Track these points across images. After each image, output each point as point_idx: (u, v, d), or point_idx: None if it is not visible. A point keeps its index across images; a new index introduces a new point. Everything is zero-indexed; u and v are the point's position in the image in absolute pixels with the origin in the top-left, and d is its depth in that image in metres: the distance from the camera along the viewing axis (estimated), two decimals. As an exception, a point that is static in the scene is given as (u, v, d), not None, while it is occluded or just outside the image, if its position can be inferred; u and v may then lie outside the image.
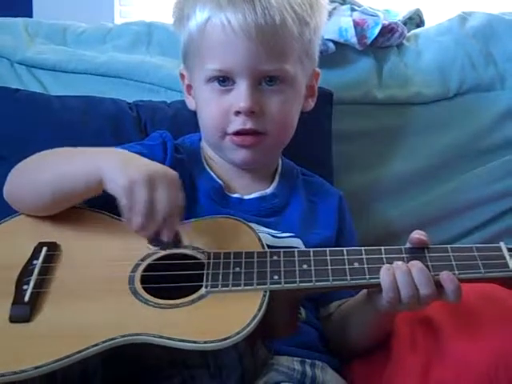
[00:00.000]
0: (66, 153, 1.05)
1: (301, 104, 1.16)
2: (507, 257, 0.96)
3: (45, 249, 0.99)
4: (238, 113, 1.08)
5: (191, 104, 1.19)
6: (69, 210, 1.04)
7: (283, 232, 1.10)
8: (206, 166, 1.17)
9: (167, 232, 0.93)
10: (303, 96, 1.16)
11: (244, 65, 1.07)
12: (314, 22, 1.12)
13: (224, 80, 1.09)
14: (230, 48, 1.07)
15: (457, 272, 0.94)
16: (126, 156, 1.00)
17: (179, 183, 0.95)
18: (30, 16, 1.79)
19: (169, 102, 1.38)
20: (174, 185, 0.94)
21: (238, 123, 1.09)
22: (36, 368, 0.83)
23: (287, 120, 1.13)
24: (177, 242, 0.95)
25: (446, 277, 0.93)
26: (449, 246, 0.98)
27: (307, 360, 1.01)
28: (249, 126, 1.08)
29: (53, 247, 1.00)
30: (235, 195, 1.14)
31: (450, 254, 0.96)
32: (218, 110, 1.10)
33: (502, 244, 0.98)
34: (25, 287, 0.93)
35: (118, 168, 0.95)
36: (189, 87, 1.19)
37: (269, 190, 1.16)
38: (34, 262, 0.97)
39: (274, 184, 1.18)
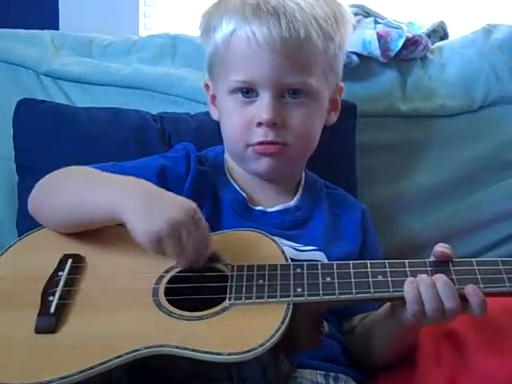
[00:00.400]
0: (89, 177, 1.05)
1: (323, 118, 1.17)
2: (533, 271, 0.95)
3: (70, 261, 1.00)
4: (260, 124, 1.09)
5: (215, 114, 1.20)
6: None
7: (306, 245, 1.10)
8: (230, 178, 1.17)
9: (199, 263, 0.96)
10: (326, 110, 1.17)
11: (267, 77, 1.08)
12: (339, 37, 1.13)
13: (248, 91, 1.10)
14: (254, 60, 1.08)
15: (482, 286, 0.93)
16: (148, 197, 0.97)
17: (199, 213, 0.95)
18: (57, 28, 1.81)
19: (192, 113, 1.39)
20: (195, 220, 0.94)
21: (259, 135, 1.09)
22: (61, 379, 0.83)
23: (309, 133, 1.14)
24: (213, 259, 0.98)
25: (471, 290, 0.92)
26: (474, 259, 0.97)
27: (331, 373, 1.01)
28: (270, 137, 1.09)
29: (78, 259, 1.00)
30: (258, 208, 1.14)
31: (475, 267, 0.95)
32: (241, 121, 1.11)
33: (528, 258, 0.97)
34: (50, 298, 0.94)
35: (140, 215, 0.94)
36: (213, 97, 1.20)
37: (292, 203, 1.16)
38: (60, 273, 0.98)
39: (298, 196, 1.18)
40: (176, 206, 0.94)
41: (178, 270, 0.98)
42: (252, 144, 1.11)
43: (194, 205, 0.95)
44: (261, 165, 1.13)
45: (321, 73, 1.12)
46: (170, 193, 0.99)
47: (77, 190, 1.03)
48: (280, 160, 1.12)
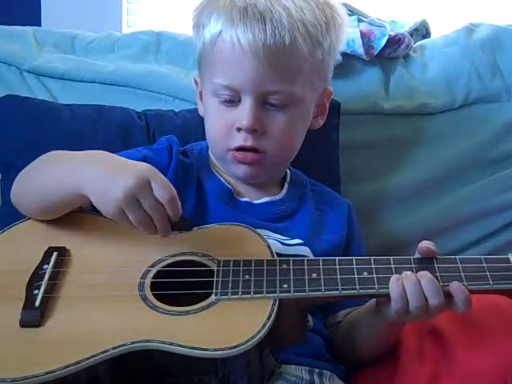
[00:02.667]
0: (56, 159, 1.06)
1: (307, 124, 1.16)
2: (516, 269, 0.96)
3: (55, 253, 0.99)
4: (239, 129, 1.09)
5: (201, 110, 1.20)
6: (78, 215, 1.05)
7: (292, 238, 1.10)
8: (215, 171, 1.18)
9: (173, 218, 0.95)
10: (311, 115, 1.16)
11: (250, 84, 1.07)
12: (328, 42, 1.12)
13: (230, 94, 1.09)
14: (237, 66, 1.07)
15: (465, 283, 0.94)
16: (105, 166, 0.98)
17: (156, 175, 0.95)
18: (39, 25, 1.80)
19: (177, 110, 1.39)
20: (153, 184, 0.93)
21: (239, 139, 1.10)
22: (47, 373, 0.83)
23: (289, 141, 1.13)
24: (186, 224, 0.98)
25: (456, 287, 0.93)
26: (457, 256, 0.98)
27: (315, 369, 1.01)
28: (249, 143, 1.09)
29: (63, 252, 1.00)
30: (244, 199, 1.15)
31: (459, 264, 0.96)
32: (222, 125, 1.11)
33: (510, 255, 0.98)
34: (35, 292, 0.93)
35: (98, 187, 0.96)
36: (201, 94, 1.20)
37: (278, 196, 1.17)
38: (45, 266, 0.97)
39: (284, 191, 1.18)
40: (129, 172, 0.94)
41: (164, 264, 0.98)
42: (232, 149, 1.11)
43: (147, 166, 0.96)
44: (239, 171, 1.13)
45: (306, 80, 1.11)
46: (127, 160, 0.99)
47: (45, 172, 1.05)
48: (258, 168, 1.12)
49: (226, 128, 1.10)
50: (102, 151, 1.02)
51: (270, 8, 1.06)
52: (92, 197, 0.96)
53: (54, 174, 1.03)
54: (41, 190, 1.03)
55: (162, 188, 0.94)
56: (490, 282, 0.95)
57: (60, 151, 1.08)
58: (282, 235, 1.09)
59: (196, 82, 1.21)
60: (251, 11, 1.06)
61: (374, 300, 1.03)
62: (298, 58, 1.08)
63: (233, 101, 1.09)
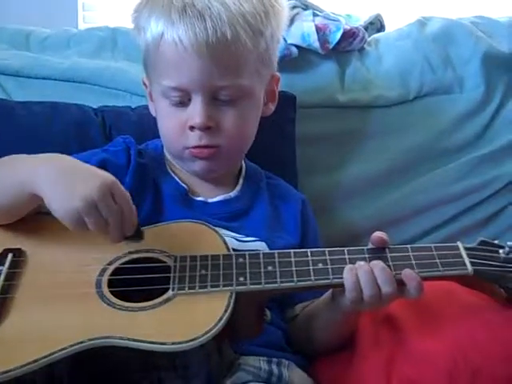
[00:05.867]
0: (10, 162, 1.04)
1: (259, 112, 1.17)
2: (464, 255, 0.99)
3: (10, 255, 0.99)
4: (192, 128, 1.09)
5: (153, 111, 1.20)
6: (33, 216, 1.04)
7: (247, 236, 1.11)
8: (170, 171, 1.18)
9: (127, 230, 0.95)
10: (262, 104, 1.17)
11: (197, 82, 1.08)
12: (270, 29, 1.12)
13: (180, 96, 1.09)
14: (183, 66, 1.07)
15: (416, 270, 0.97)
16: (62, 171, 0.96)
17: (117, 184, 0.94)
18: (-7, 21, 1.78)
19: (133, 107, 1.39)
20: (113, 192, 0.93)
21: (193, 139, 1.10)
22: (4, 373, 0.83)
23: (244, 132, 1.14)
24: (139, 234, 0.98)
25: (408, 274, 0.96)
26: (409, 245, 1.00)
27: (274, 359, 1.03)
28: (204, 141, 1.10)
29: (18, 253, 1.00)
30: (199, 198, 1.15)
31: (410, 253, 0.99)
32: (175, 125, 1.11)
33: (459, 243, 1.01)
34: (-10, 293, 0.93)
35: (55, 192, 0.94)
36: (151, 94, 1.20)
37: (233, 194, 1.18)
38: (0, 268, 0.97)
39: (238, 187, 1.19)
40: (91, 180, 0.93)
41: (121, 261, 0.98)
42: (188, 147, 1.11)
43: (110, 177, 0.95)
44: (197, 167, 1.14)
45: (252, 70, 1.11)
46: (85, 165, 0.98)
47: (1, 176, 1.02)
48: (215, 162, 1.13)
49: (179, 128, 1.11)
50: (62, 155, 1.01)
51: (207, 5, 1.06)
52: (48, 199, 0.94)
53: (9, 174, 1.01)
54: None
55: (123, 198, 0.94)
56: (440, 268, 0.98)
57: (18, 155, 1.05)
58: (238, 233, 1.10)
59: (145, 83, 1.21)
60: (190, 10, 1.06)
61: (329, 292, 1.05)
62: (242, 51, 1.08)
63: (183, 102, 1.10)
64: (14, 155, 1.06)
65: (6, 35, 1.49)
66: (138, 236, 0.97)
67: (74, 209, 0.91)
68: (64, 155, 1.01)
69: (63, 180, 0.95)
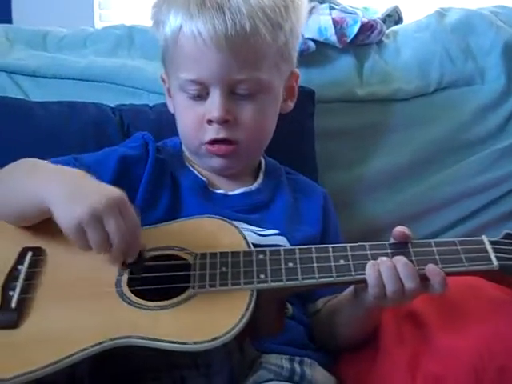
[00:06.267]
0: (27, 169, 1.02)
1: (278, 108, 1.16)
2: (489, 250, 0.97)
3: (30, 253, 0.98)
4: (210, 122, 1.09)
5: (171, 107, 1.20)
6: None
7: (267, 229, 1.10)
8: (189, 166, 1.17)
9: (130, 255, 0.92)
10: (281, 99, 1.16)
11: (216, 75, 1.07)
12: (289, 23, 1.11)
13: (198, 89, 1.09)
14: (201, 59, 1.07)
15: (440, 266, 0.95)
16: (71, 184, 0.94)
17: (126, 203, 0.91)
18: (10, 22, 1.78)
19: (151, 104, 1.38)
20: (121, 209, 0.90)
21: (211, 132, 1.09)
22: (25, 374, 0.83)
23: (262, 127, 1.13)
24: (141, 260, 0.95)
25: (431, 269, 0.94)
26: (432, 240, 0.99)
27: (296, 357, 1.02)
28: (222, 135, 1.09)
29: (38, 252, 0.99)
30: (219, 191, 1.15)
31: (434, 248, 0.97)
32: (193, 119, 1.11)
33: (484, 237, 0.99)
34: (11, 293, 0.92)
35: (61, 203, 0.91)
36: (169, 91, 1.19)
37: (253, 186, 1.17)
38: (19, 267, 0.96)
39: (259, 181, 1.19)
40: (99, 193, 0.91)
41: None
42: (205, 142, 1.11)
43: (120, 193, 0.91)
44: (214, 163, 1.13)
45: (272, 64, 1.11)
46: (96, 181, 0.95)
47: (15, 182, 1.02)
48: (233, 158, 1.12)
49: (197, 122, 1.10)
50: (74, 170, 0.99)
51: None
52: (55, 213, 0.91)
53: (24, 184, 1.00)
54: (9, 198, 1.01)
55: (130, 216, 0.91)
56: (465, 263, 0.96)
57: (36, 161, 1.05)
58: (258, 226, 1.10)
59: (163, 79, 1.21)
60: (209, 3, 1.06)
61: (352, 287, 1.03)
62: (261, 44, 1.08)
63: (201, 95, 1.09)
64: (29, 160, 1.05)
65: (23, 36, 1.49)
66: (140, 262, 0.94)
67: (77, 217, 0.88)
68: (76, 170, 0.99)
69: (72, 196, 0.92)
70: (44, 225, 1.01)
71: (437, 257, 0.96)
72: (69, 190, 0.93)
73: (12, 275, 0.95)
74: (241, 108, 1.09)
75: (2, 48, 1.45)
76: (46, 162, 1.05)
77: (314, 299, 1.13)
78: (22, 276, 0.95)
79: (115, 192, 0.92)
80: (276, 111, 1.16)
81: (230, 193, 1.15)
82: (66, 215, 0.90)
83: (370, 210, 1.44)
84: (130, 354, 0.88)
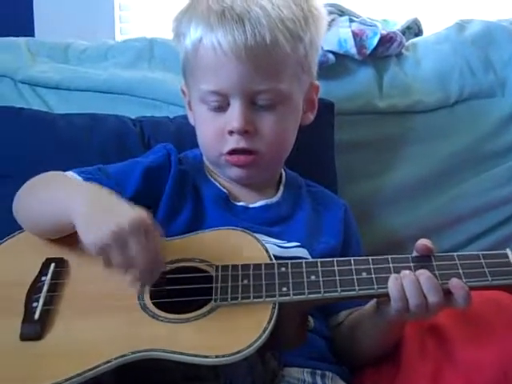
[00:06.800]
0: (54, 184, 1.04)
1: (298, 119, 1.17)
2: (514, 263, 0.97)
3: (53, 265, 0.99)
4: (231, 132, 1.09)
5: (192, 119, 1.21)
6: None
7: (288, 241, 1.10)
8: (210, 178, 1.18)
9: (151, 278, 0.92)
10: (301, 111, 1.17)
11: (236, 86, 1.08)
12: (309, 36, 1.12)
13: (218, 100, 1.09)
14: (222, 69, 1.08)
15: (464, 280, 0.94)
16: (96, 203, 0.94)
17: (150, 224, 0.90)
18: (32, 35, 1.80)
19: (171, 117, 1.39)
20: (145, 231, 0.88)
21: (231, 143, 1.10)
22: (48, 386, 0.83)
23: (282, 139, 1.14)
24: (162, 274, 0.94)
25: (455, 283, 0.93)
26: (455, 253, 0.98)
27: (317, 371, 1.02)
28: (242, 145, 1.09)
29: (61, 263, 1.00)
30: (240, 203, 1.15)
31: (457, 261, 0.96)
32: (213, 130, 1.11)
33: (508, 251, 0.98)
34: (34, 304, 0.93)
35: (86, 221, 0.91)
36: (190, 103, 1.20)
37: (274, 199, 1.17)
38: (43, 278, 0.97)
39: (279, 194, 1.19)
40: (124, 214, 0.89)
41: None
42: (224, 153, 1.11)
43: (144, 214, 0.90)
44: (234, 174, 1.14)
45: (292, 75, 1.11)
46: (121, 200, 0.94)
47: (41, 197, 1.03)
48: (252, 169, 1.12)
49: (217, 133, 1.11)
50: (103, 188, 0.99)
51: (247, 9, 1.06)
52: (78, 225, 0.91)
53: (50, 199, 1.01)
54: (36, 212, 1.02)
55: (155, 238, 0.90)
56: (489, 277, 0.95)
57: (62, 175, 1.07)
58: (279, 239, 1.09)
59: (183, 91, 1.21)
60: (229, 14, 1.06)
61: (374, 300, 1.03)
62: (281, 55, 1.08)
63: (222, 106, 1.10)
64: (56, 174, 1.07)
65: (46, 49, 1.51)
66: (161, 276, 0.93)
67: (101, 237, 0.87)
68: (102, 188, 0.98)
69: (97, 215, 0.92)
70: (66, 236, 1.02)
71: (460, 271, 0.95)
72: (94, 209, 0.93)
73: (35, 287, 0.96)
74: (261, 119, 1.10)
75: (24, 61, 1.46)
76: (71, 175, 1.06)
77: (336, 312, 1.12)
78: (45, 287, 0.96)
79: (140, 213, 0.90)
80: (296, 123, 1.16)
81: (251, 205, 1.15)
82: (90, 235, 0.89)
83: (390, 222, 1.43)
84: (153, 367, 0.88)
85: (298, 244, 1.10)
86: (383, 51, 1.49)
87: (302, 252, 1.09)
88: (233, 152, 1.11)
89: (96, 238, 0.88)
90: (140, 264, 0.88)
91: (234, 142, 1.10)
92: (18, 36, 1.53)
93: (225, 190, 1.15)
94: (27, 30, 1.80)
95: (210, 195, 1.14)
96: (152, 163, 1.14)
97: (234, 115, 1.08)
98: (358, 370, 1.10)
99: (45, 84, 1.43)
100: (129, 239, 0.88)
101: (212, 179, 1.17)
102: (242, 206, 1.15)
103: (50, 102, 1.43)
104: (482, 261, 0.96)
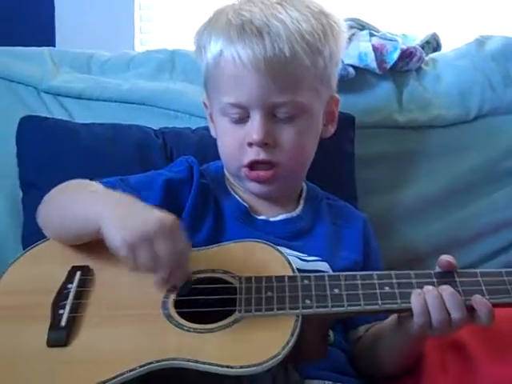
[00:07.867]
0: (79, 191, 1.06)
1: (318, 132, 1.17)
2: (537, 281, 0.97)
3: (79, 273, 1.00)
4: (251, 144, 1.10)
5: (213, 132, 1.22)
6: None
7: (309, 255, 1.11)
8: (231, 191, 1.18)
9: (178, 279, 0.94)
10: (321, 124, 1.17)
11: (256, 98, 1.08)
12: (328, 49, 1.13)
13: (239, 112, 1.11)
14: (241, 82, 1.09)
15: (487, 297, 0.94)
16: (125, 207, 0.96)
17: (177, 226, 0.92)
18: (53, 45, 1.82)
19: (193, 128, 1.40)
20: (172, 232, 0.91)
21: (251, 154, 1.11)
22: (74, 393, 0.84)
23: (302, 151, 1.14)
24: (188, 283, 0.96)
25: (478, 300, 0.94)
26: (478, 270, 0.98)
27: (338, 384, 1.02)
28: (262, 156, 1.10)
29: (86, 271, 1.01)
30: (261, 217, 1.16)
31: (480, 278, 0.96)
32: (234, 142, 1.12)
33: (531, 268, 0.99)
34: (61, 311, 0.94)
35: (115, 224, 0.93)
36: (212, 115, 1.21)
37: (295, 213, 1.18)
38: (69, 286, 0.98)
39: (300, 207, 1.19)
40: (152, 216, 0.92)
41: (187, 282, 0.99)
42: (245, 164, 1.12)
43: (172, 218, 0.92)
44: (253, 188, 1.15)
45: (311, 88, 1.12)
46: (148, 206, 0.96)
47: (67, 203, 1.05)
48: (273, 184, 1.13)
49: (238, 145, 1.12)
50: (130, 198, 1.00)
51: (266, 22, 1.08)
52: (106, 228, 0.93)
53: (77, 205, 1.02)
54: (61, 219, 1.04)
55: (182, 241, 0.92)
56: (512, 295, 0.95)
57: (87, 182, 1.08)
58: (300, 252, 1.10)
59: (205, 104, 1.22)
60: (248, 28, 1.08)
61: (395, 315, 1.03)
62: (300, 68, 1.09)
63: (242, 118, 1.11)
64: (81, 182, 1.08)
65: (69, 59, 1.52)
66: (187, 284, 0.95)
67: (130, 238, 0.89)
68: (132, 197, 1.00)
69: (125, 218, 0.93)
70: (92, 243, 1.03)
71: (483, 287, 0.95)
72: (121, 212, 0.95)
73: (62, 294, 0.97)
74: (281, 131, 1.10)
75: (47, 70, 1.47)
76: (96, 183, 1.07)
77: (356, 325, 1.13)
78: (71, 295, 0.97)
79: (167, 216, 0.93)
80: (316, 135, 1.17)
81: (272, 219, 1.16)
82: (118, 235, 0.91)
83: (408, 236, 1.44)
84: (176, 376, 0.88)
85: (319, 258, 1.11)
86: (403, 66, 1.50)
87: (323, 266, 1.10)
88: (253, 165, 1.11)
89: (124, 238, 0.90)
90: (167, 265, 0.90)
91: (253, 153, 1.11)
92: (39, 46, 1.54)
93: (245, 204, 1.16)
94: (48, 39, 1.82)
95: (231, 209, 1.15)
96: (174, 176, 1.15)
97: (254, 127, 1.09)
98: (377, 383, 1.10)
99: (67, 94, 1.45)
100: (157, 239, 0.89)
101: (233, 192, 1.18)
102: (262, 219, 1.15)
103: (72, 111, 1.45)
104: (505, 278, 0.96)
